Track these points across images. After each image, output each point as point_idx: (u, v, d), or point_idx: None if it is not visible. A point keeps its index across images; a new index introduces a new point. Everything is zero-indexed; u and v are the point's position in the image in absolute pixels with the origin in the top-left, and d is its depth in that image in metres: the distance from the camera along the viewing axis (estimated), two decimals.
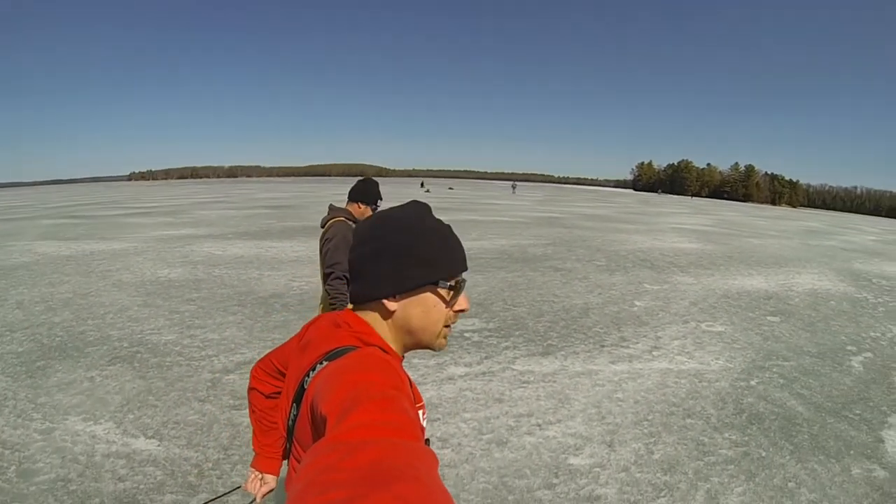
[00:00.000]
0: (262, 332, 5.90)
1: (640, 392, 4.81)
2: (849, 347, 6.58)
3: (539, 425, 4.00)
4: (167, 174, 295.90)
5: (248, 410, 1.34)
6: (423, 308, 0.95)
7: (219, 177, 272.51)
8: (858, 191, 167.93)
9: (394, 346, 0.97)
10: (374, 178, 3.49)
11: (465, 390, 4.57)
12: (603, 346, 6.11)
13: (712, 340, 6.54)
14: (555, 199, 48.58)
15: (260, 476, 1.34)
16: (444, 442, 3.66)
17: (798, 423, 4.38)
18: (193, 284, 8.32)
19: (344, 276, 2.97)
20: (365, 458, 0.52)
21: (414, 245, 0.93)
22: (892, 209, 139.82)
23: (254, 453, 1.35)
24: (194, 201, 33.74)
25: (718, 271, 11.60)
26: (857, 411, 4.67)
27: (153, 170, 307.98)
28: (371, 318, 0.96)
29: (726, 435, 4.12)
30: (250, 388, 1.29)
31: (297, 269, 9.64)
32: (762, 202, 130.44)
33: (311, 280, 8.63)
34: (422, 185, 59.75)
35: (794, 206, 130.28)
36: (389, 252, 0.93)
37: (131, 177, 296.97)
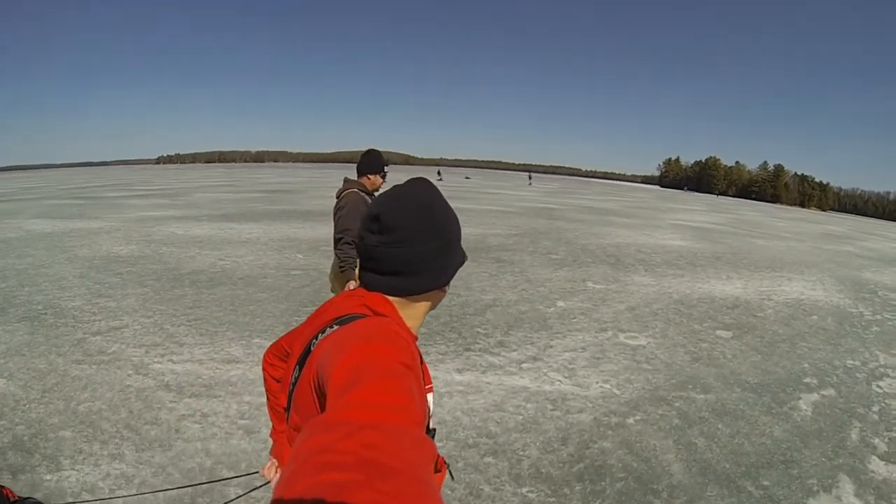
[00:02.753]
0: (153, 304, 6.16)
1: (458, 411, 3.70)
2: (807, 380, 5.01)
3: None
4: (194, 158, 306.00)
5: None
6: (446, 288, 1.02)
7: (245, 161, 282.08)
8: (892, 196, 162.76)
9: (412, 322, 0.98)
10: (376, 150, 3.67)
11: None
12: (468, 350, 5.01)
13: (618, 356, 5.11)
14: (567, 192, 46.85)
15: (276, 464, 1.32)
16: None
17: (654, 492, 2.92)
18: (133, 260, 8.66)
19: (353, 241, 3.12)
20: (362, 442, 0.50)
21: (451, 238, 0.98)
22: None
23: (272, 441, 1.33)
24: (201, 185, 34.17)
25: (692, 272, 10.04)
26: (766, 482, 3.17)
27: (181, 153, 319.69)
28: (399, 302, 0.96)
29: (523, 491, 2.82)
30: (263, 372, 1.29)
31: (235, 250, 9.74)
32: (790, 204, 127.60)
33: (237, 259, 8.89)
34: (438, 173, 59.37)
35: (824, 210, 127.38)
36: (438, 250, 0.94)
37: (159, 160, 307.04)
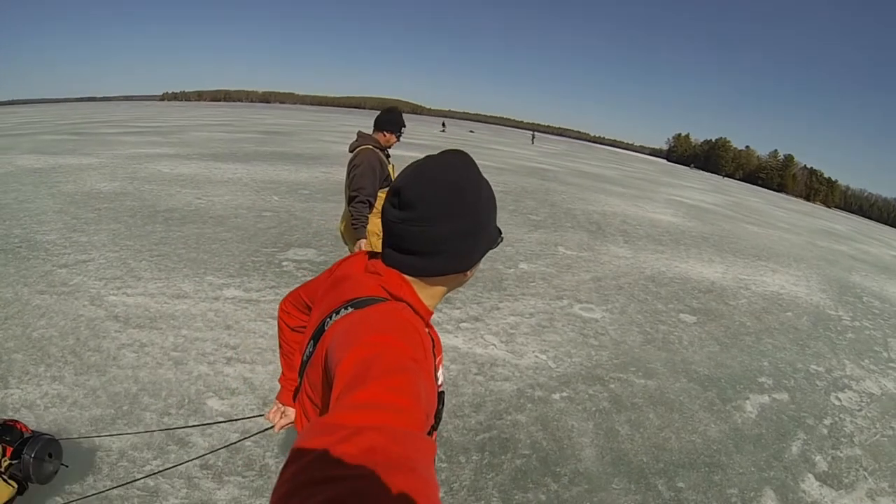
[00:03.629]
0: (122, 239, 6.22)
1: None
2: (761, 379, 4.74)
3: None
4: (200, 96, 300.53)
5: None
6: (476, 267, 0.98)
7: (252, 101, 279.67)
8: None
9: (430, 302, 0.96)
10: (397, 108, 3.65)
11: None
12: None
13: (566, 328, 4.84)
14: (568, 154, 46.05)
15: (282, 409, 1.37)
16: None
17: (554, 475, 2.72)
18: (114, 197, 8.69)
19: (367, 199, 3.23)
20: (362, 444, 0.51)
21: (481, 220, 0.93)
22: None
23: (279, 386, 1.38)
24: (199, 123, 33.74)
25: (673, 250, 9.70)
26: (682, 484, 2.91)
27: (187, 91, 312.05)
28: (416, 282, 0.93)
29: None
30: (279, 319, 1.29)
31: (214, 189, 9.77)
32: (796, 195, 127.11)
33: (213, 198, 8.93)
34: (442, 125, 58.15)
35: (829, 206, 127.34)
36: (460, 232, 0.90)
37: (164, 97, 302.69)
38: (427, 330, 0.89)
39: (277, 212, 8.15)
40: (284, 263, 5.75)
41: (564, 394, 3.69)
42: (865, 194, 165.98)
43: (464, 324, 4.53)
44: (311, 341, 0.95)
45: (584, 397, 3.70)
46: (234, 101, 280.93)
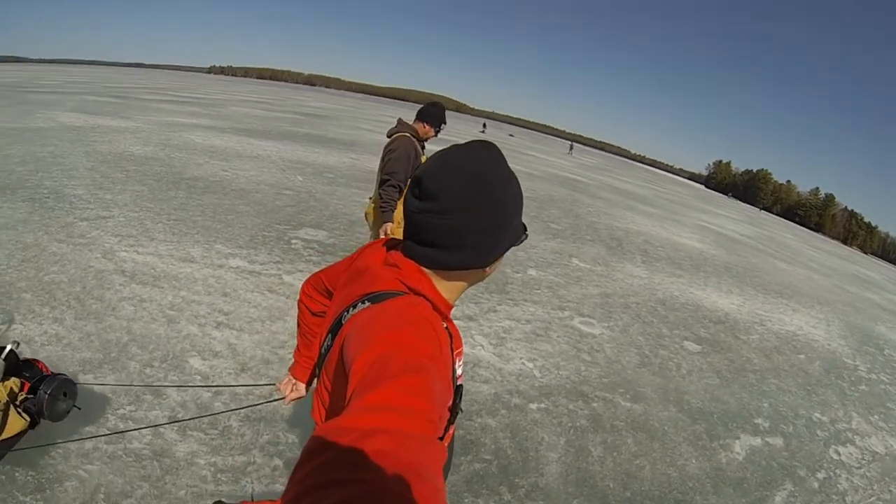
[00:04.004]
0: (144, 201, 6.50)
1: None
2: (758, 420, 4.57)
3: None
4: (246, 72, 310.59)
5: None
6: (498, 263, 0.97)
7: (297, 83, 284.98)
8: None
9: (449, 296, 0.94)
10: (441, 104, 3.72)
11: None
12: None
13: (561, 338, 4.76)
14: (605, 169, 45.54)
15: (293, 382, 1.41)
16: None
17: (511, 485, 2.68)
18: (143, 160, 9.00)
19: (399, 185, 3.31)
20: (372, 448, 0.52)
21: (505, 215, 0.91)
22: None
23: (293, 360, 1.42)
24: (240, 99, 34.91)
25: (692, 276, 9.47)
26: None
27: (234, 66, 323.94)
28: (435, 275, 0.92)
29: None
30: (299, 302, 1.30)
31: (242, 164, 10.00)
32: (833, 237, 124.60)
33: (239, 172, 9.16)
34: (483, 125, 57.74)
35: (865, 252, 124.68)
36: (481, 226, 0.88)
37: (211, 69, 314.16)
38: (445, 324, 0.89)
39: (298, 191, 8.28)
40: (294, 241, 5.81)
41: (542, 405, 3.59)
42: None
43: (456, 321, 4.43)
44: (329, 335, 0.96)
45: (562, 411, 3.60)
46: (279, 80, 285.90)
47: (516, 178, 0.94)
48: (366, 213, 3.96)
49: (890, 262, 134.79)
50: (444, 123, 3.77)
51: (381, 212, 3.40)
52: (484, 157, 0.90)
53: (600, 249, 9.14)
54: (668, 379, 4.73)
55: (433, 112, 3.68)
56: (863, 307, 14.09)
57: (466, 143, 0.92)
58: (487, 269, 0.96)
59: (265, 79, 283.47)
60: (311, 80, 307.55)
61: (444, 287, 0.93)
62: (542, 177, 20.05)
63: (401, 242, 0.97)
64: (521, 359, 4.19)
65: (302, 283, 1.30)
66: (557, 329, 5.05)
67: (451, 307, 0.95)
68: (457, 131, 39.61)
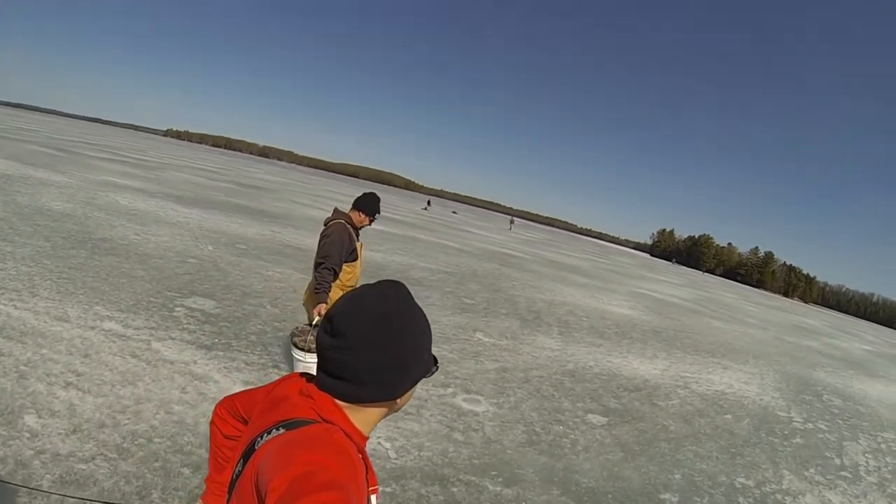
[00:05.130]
0: (42, 258, 6.49)
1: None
2: (664, 496, 4.06)
3: None
4: (202, 139, 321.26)
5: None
6: (409, 394, 1.00)
7: (251, 153, 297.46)
8: (875, 298, 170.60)
9: (363, 427, 0.97)
10: (377, 194, 4.07)
11: None
12: (275, 367, 4.51)
13: (434, 417, 4.49)
14: (547, 243, 46.29)
15: None
16: None
17: None
18: (58, 217, 9.13)
19: (333, 268, 3.56)
20: None
21: (410, 351, 0.96)
22: None
23: (204, 487, 1.37)
24: (185, 164, 35.88)
25: (614, 344, 9.14)
26: None
27: (191, 131, 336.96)
28: (348, 407, 0.95)
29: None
30: (211, 424, 1.30)
31: (158, 229, 10.03)
32: (775, 292, 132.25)
33: (150, 237, 9.18)
34: (427, 203, 60.08)
35: (807, 302, 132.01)
36: (388, 363, 0.93)
37: (167, 133, 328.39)
38: (360, 456, 0.89)
39: (203, 260, 8.20)
40: (177, 309, 5.66)
41: (388, 489, 3.05)
42: (843, 290, 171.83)
43: None
44: (242, 460, 0.95)
45: (409, 496, 3.08)
46: (234, 149, 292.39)
47: (423, 316, 1.00)
48: (304, 302, 4.10)
49: (830, 308, 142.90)
50: (378, 213, 4.07)
51: (316, 293, 3.56)
52: (390, 296, 0.96)
53: (512, 323, 8.74)
54: (558, 458, 4.20)
55: (369, 202, 3.97)
56: (801, 355, 14.10)
57: (376, 283, 0.98)
58: (398, 400, 0.99)
59: (220, 147, 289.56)
60: (265, 152, 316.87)
61: (358, 419, 0.95)
62: (473, 252, 19.95)
63: (315, 376, 1.00)
64: (378, 438, 3.67)
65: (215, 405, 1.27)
66: (433, 407, 4.53)
67: (365, 439, 0.97)
68: (400, 209, 40.06)
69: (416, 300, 1.00)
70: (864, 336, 33.03)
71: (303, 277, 8.44)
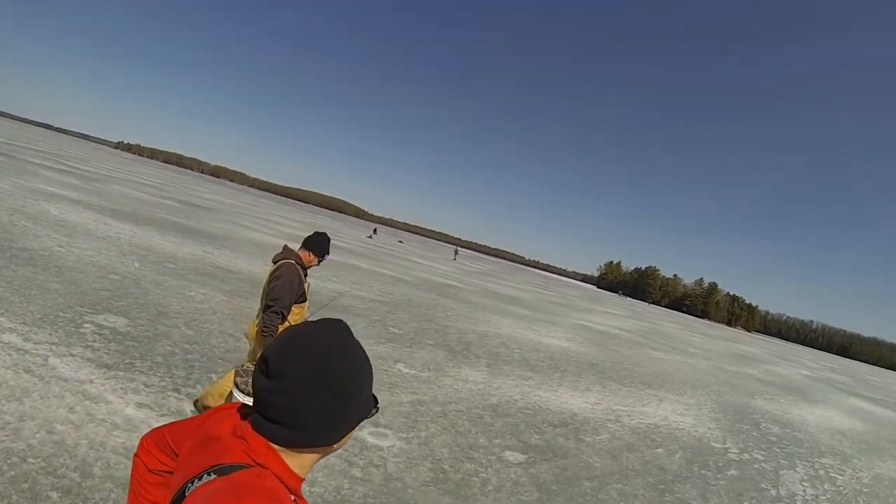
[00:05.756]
0: None
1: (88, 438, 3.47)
2: None
3: None
4: (154, 154, 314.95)
5: None
6: (347, 438, 0.99)
7: (202, 172, 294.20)
8: (814, 325, 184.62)
9: (299, 470, 0.95)
10: (327, 235, 4.08)
11: None
12: (174, 390, 4.37)
13: (338, 455, 3.87)
14: (491, 274, 46.25)
15: None
16: None
17: None
18: None
19: (282, 311, 3.51)
20: None
21: (350, 394, 0.94)
22: (843, 347, 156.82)
23: None
24: (131, 179, 34.80)
25: (545, 377, 8.86)
26: None
27: (142, 145, 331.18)
28: (283, 450, 0.93)
29: None
30: (135, 456, 1.23)
31: (84, 242, 9.67)
32: (718, 321, 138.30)
33: (75, 249, 8.83)
34: (374, 231, 60.46)
35: (750, 331, 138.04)
36: (326, 407, 0.91)
37: (118, 145, 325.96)
38: (293, 497, 0.90)
39: (124, 277, 7.93)
40: (86, 325, 5.44)
41: None
42: (784, 318, 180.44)
43: None
44: None
45: None
46: (185, 167, 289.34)
47: (364, 355, 0.97)
48: (247, 333, 4.04)
49: (772, 335, 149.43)
50: (328, 254, 4.05)
51: (263, 336, 3.51)
52: (329, 336, 0.93)
53: (438, 354, 8.35)
54: (464, 498, 3.81)
55: (318, 242, 3.95)
56: (741, 384, 14.23)
57: (315, 322, 0.95)
58: (335, 444, 0.96)
59: (171, 164, 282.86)
60: (216, 172, 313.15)
61: (294, 462, 0.92)
62: (412, 281, 19.55)
63: (251, 412, 0.95)
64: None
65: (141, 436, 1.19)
66: (350, 451, 4.09)
67: (300, 480, 0.94)
68: (346, 236, 39.53)
69: (356, 338, 0.97)
70: (804, 362, 34.16)
71: (226, 300, 8.19)
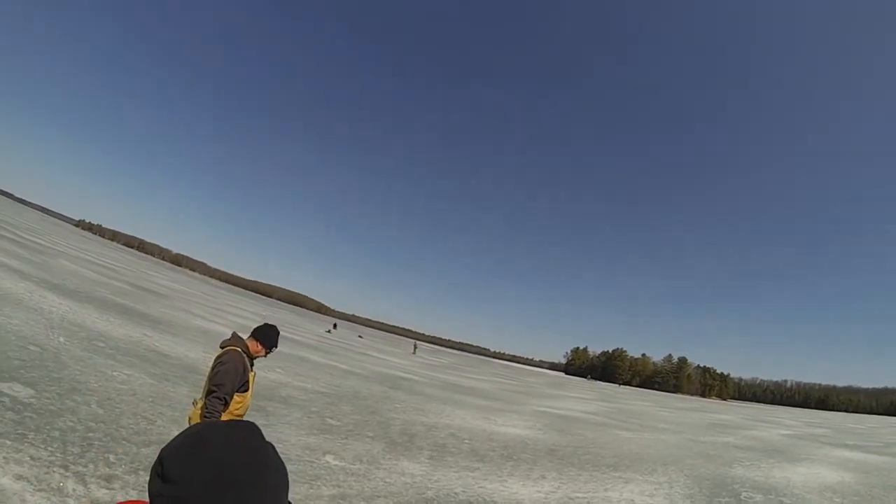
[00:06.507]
0: None
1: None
2: None
3: None
4: (115, 236, 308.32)
5: None
6: None
7: (163, 259, 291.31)
8: (788, 384, 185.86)
9: None
10: (277, 328, 4.10)
11: None
12: (65, 465, 4.31)
13: None
14: (453, 367, 45.29)
15: None
16: None
17: None
18: None
19: (224, 398, 3.50)
20: None
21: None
22: (820, 401, 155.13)
23: None
24: (83, 257, 34.01)
25: (494, 467, 8.13)
26: None
27: (103, 226, 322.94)
28: None
29: None
30: None
31: (11, 311, 9.37)
32: (692, 394, 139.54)
33: (2, 320, 8.46)
34: (333, 326, 59.50)
35: (724, 399, 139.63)
36: None
37: (79, 224, 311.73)
38: None
39: (46, 350, 7.67)
40: None
41: None
42: (758, 381, 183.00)
43: None
44: None
45: None
46: (146, 252, 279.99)
47: (279, 465, 0.85)
48: (189, 418, 4.00)
49: (747, 400, 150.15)
50: (276, 347, 4.04)
51: (205, 419, 3.44)
52: (237, 441, 0.83)
53: (375, 446, 7.64)
54: None
55: (268, 334, 3.94)
56: (716, 453, 13.66)
57: (226, 424, 0.86)
58: None
59: (132, 247, 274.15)
60: (177, 260, 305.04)
61: None
62: (364, 375, 18.76)
63: None
64: None
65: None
66: None
67: None
68: (303, 331, 38.37)
69: (270, 445, 0.85)
70: (782, 421, 33.72)
71: (151, 383, 7.83)
